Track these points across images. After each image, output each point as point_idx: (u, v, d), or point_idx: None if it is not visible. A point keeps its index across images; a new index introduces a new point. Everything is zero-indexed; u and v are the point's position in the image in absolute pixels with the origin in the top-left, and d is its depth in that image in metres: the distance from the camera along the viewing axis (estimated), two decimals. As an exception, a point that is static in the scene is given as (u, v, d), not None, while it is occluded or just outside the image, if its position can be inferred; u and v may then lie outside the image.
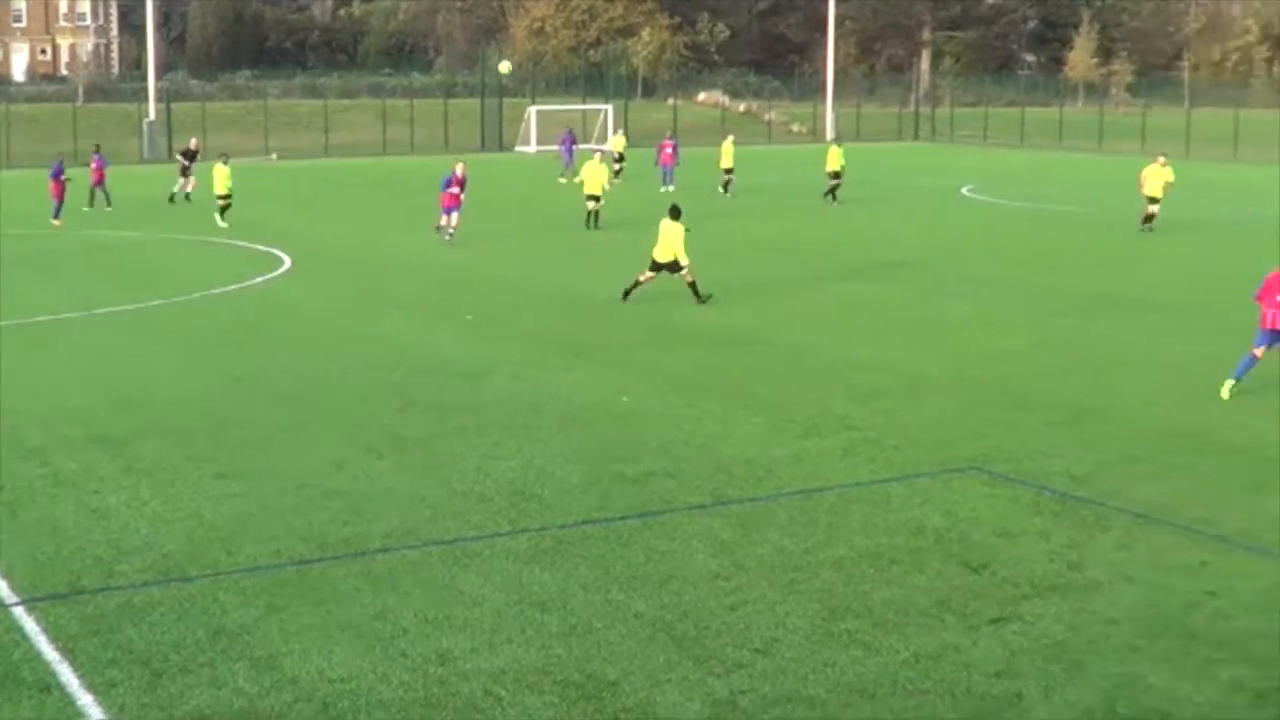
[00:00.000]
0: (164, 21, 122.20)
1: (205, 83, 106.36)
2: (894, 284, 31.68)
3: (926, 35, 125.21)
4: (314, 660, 11.26)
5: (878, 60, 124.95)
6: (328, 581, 12.99)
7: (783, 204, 52.55)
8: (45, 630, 11.84)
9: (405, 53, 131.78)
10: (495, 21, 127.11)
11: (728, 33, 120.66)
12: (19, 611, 12.28)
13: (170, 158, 65.89)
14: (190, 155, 52.44)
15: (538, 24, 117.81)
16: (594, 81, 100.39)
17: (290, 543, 14.06)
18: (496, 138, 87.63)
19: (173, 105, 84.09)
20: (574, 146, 65.29)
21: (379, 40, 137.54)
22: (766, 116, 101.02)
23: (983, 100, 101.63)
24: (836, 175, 50.88)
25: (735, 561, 13.55)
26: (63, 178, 45.53)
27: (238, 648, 11.49)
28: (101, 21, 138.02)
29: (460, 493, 15.73)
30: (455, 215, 38.17)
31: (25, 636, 11.75)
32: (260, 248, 37.81)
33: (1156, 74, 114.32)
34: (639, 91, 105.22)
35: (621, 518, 14.90)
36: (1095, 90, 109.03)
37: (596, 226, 41.92)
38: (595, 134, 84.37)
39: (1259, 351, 20.36)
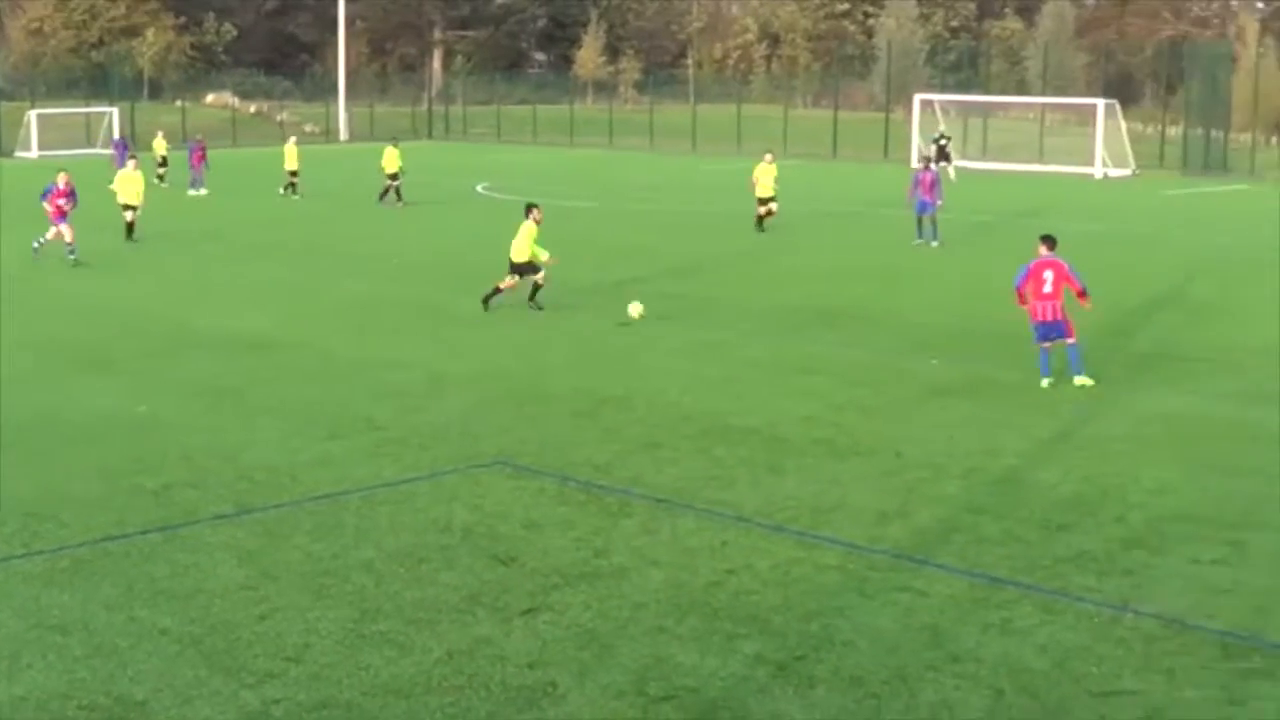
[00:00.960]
0: None
1: None
2: (412, 283, 31.70)
3: (438, 34, 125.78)
4: None
5: (390, 59, 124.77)
6: None
7: (349, 206, 51.71)
8: None
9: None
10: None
11: (235, 32, 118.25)
12: None
13: None
14: None
15: (35, 24, 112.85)
16: (98, 83, 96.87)
17: None
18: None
19: None
20: (127, 152, 61.70)
21: None
22: (279, 117, 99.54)
23: (495, 98, 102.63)
24: (395, 176, 50.31)
25: (263, 570, 13.32)
26: None
27: None
28: None
29: (-33, 515, 14.98)
30: (65, 228, 34.58)
31: None
32: None
33: (663, 71, 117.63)
34: (145, 93, 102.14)
35: (142, 532, 14.44)
36: (604, 88, 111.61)
37: (132, 238, 39.19)
38: (100, 137, 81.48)
39: (1045, 345, 21.18)
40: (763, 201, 41.32)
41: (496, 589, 12.83)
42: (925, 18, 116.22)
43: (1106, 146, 69.26)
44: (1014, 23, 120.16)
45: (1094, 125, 70.80)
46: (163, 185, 54.93)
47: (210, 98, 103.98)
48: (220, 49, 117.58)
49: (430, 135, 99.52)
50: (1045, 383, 21.11)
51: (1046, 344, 21.19)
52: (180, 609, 12.36)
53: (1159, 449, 17.88)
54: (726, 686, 10.90)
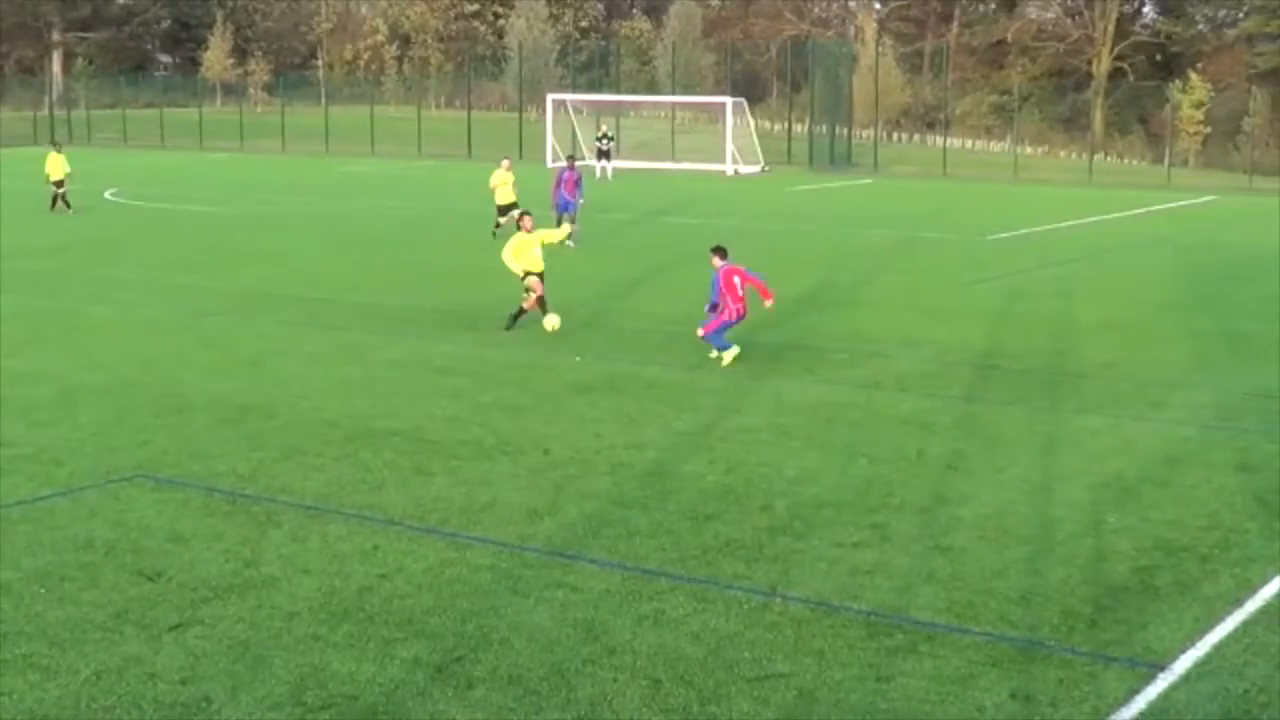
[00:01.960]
0: None
1: None
2: (35, 291, 30.55)
3: (57, 36, 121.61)
4: None
5: (7, 62, 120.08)
6: None
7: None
8: None
9: None
10: None
11: None
12: None
13: None
14: None
15: None
16: None
17: None
18: None
19: None
20: None
21: None
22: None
23: (120, 102, 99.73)
24: (60, 183, 47.71)
25: (-109, 597, 12.71)
26: None
27: None
28: None
29: None
30: None
31: None
32: None
33: (293, 73, 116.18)
34: None
35: None
36: (233, 90, 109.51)
37: None
38: None
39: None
40: (503, 210, 39.78)
41: (143, 605, 12.50)
42: (555, 18, 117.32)
43: (736, 144, 71.03)
44: (642, 23, 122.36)
45: (723, 123, 72.52)
46: None
47: None
48: None
49: (53, 140, 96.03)
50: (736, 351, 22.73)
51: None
52: None
53: (800, 438, 18.44)
54: (385, 691, 10.85)
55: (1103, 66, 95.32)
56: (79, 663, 11.30)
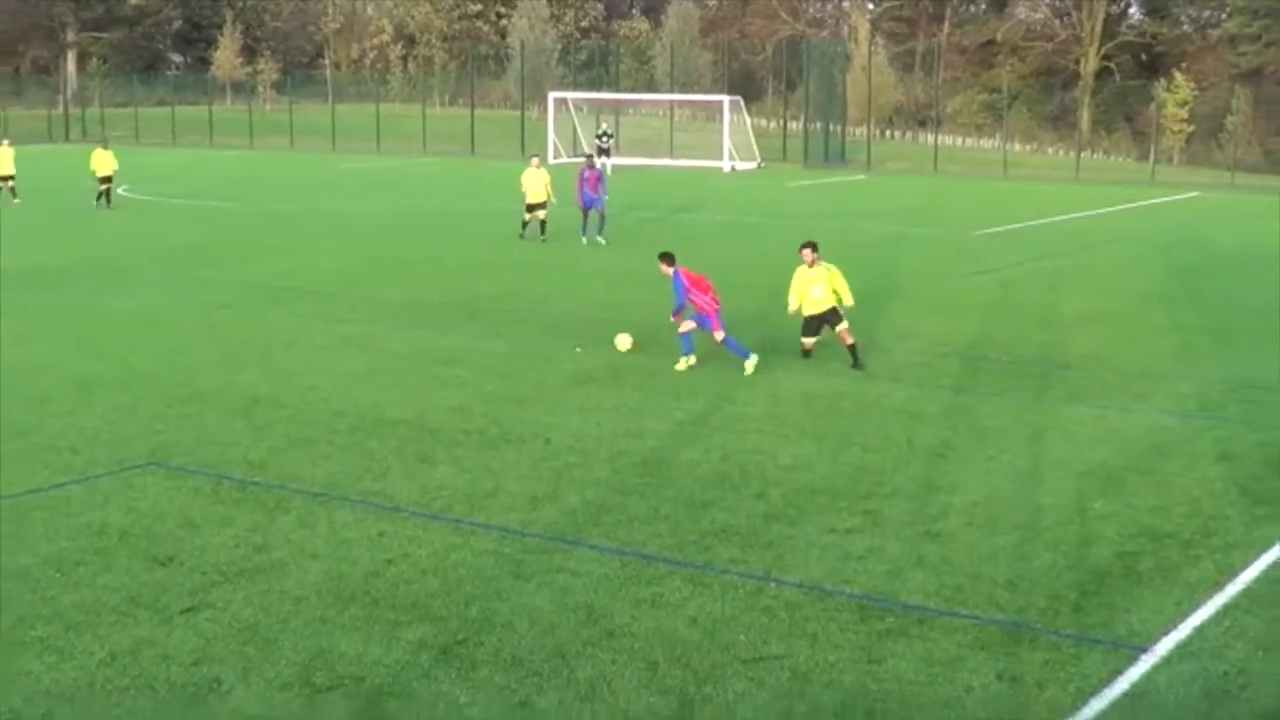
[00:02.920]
0: None
1: None
2: (56, 287, 30.56)
3: (71, 36, 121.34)
4: None
5: (22, 62, 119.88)
6: None
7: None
8: None
9: None
10: None
11: None
12: None
13: None
14: None
15: None
16: None
17: None
18: None
19: None
20: None
21: None
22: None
23: (133, 100, 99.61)
24: (107, 180, 47.81)
25: (-92, 582, 12.76)
26: None
27: None
28: None
29: None
30: None
31: None
32: None
33: (301, 72, 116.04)
34: None
35: None
36: (243, 88, 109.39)
37: None
38: None
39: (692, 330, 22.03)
40: (530, 208, 38.97)
41: (156, 589, 12.55)
42: (556, 18, 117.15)
43: (733, 141, 71.03)
44: (641, 23, 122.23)
45: (720, 121, 72.50)
46: None
47: None
48: None
49: (67, 138, 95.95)
50: (691, 361, 22.00)
51: (695, 329, 22.06)
52: None
53: (794, 427, 18.48)
54: (391, 673, 10.89)
55: (1090, 66, 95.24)
56: (94, 645, 11.35)
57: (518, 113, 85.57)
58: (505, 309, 26.21)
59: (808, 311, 22.47)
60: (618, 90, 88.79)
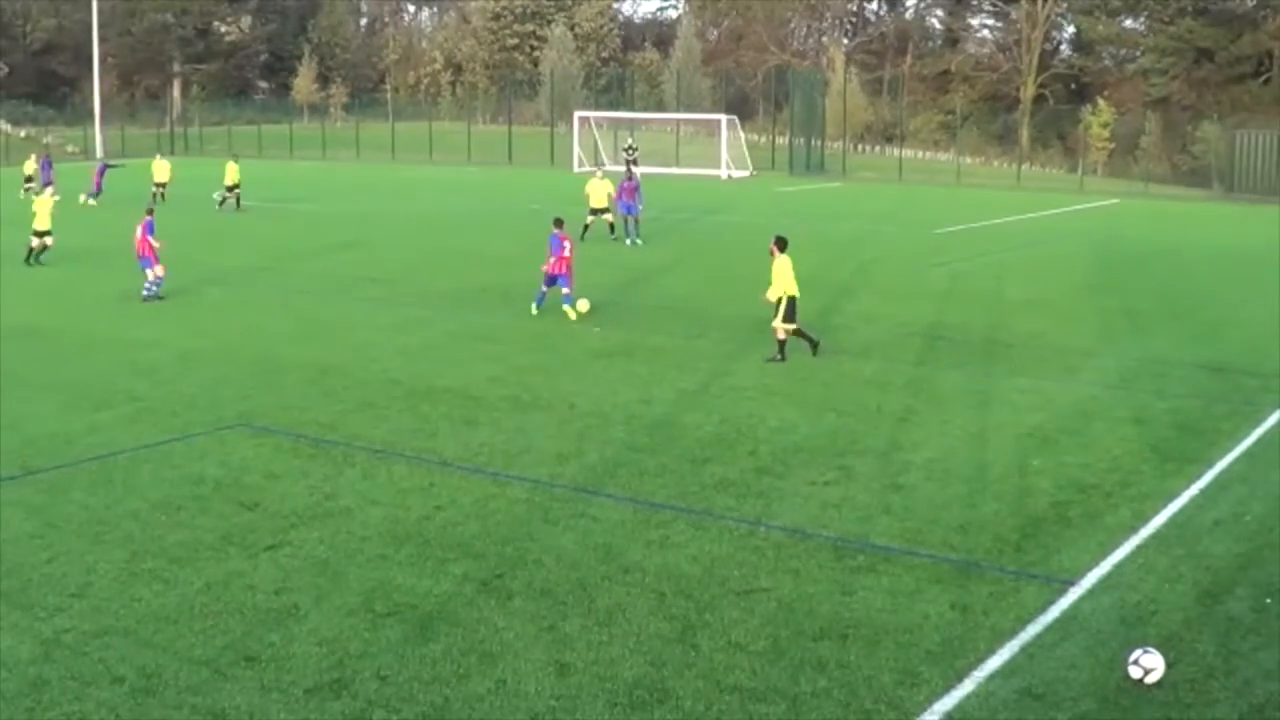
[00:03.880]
0: None
1: None
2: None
3: (177, 68, 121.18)
4: None
5: (137, 89, 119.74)
6: None
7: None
8: None
9: None
10: None
11: (7, 70, 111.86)
12: None
13: None
14: None
15: None
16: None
17: None
18: None
19: None
20: (50, 168, 54.26)
21: None
22: (45, 139, 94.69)
23: (226, 120, 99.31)
24: (234, 188, 47.88)
25: (47, 521, 12.78)
26: None
27: None
28: None
29: None
30: None
31: None
32: None
33: (365, 95, 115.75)
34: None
35: (-71, 494, 13.69)
36: (317, 109, 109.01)
37: (39, 262, 32.28)
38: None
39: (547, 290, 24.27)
40: (594, 212, 37.81)
41: (244, 530, 12.56)
42: (581, 50, 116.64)
43: (729, 153, 70.73)
44: (652, 54, 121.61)
45: (719, 136, 72.23)
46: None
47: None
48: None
49: (172, 152, 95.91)
50: (535, 310, 24.19)
51: (549, 288, 24.33)
52: (-31, 559, 11.77)
53: (781, 395, 18.43)
54: (440, 601, 10.89)
55: (1028, 93, 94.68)
56: (193, 575, 11.36)
57: (548, 129, 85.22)
58: (532, 295, 25.94)
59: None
60: (632, 110, 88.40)
